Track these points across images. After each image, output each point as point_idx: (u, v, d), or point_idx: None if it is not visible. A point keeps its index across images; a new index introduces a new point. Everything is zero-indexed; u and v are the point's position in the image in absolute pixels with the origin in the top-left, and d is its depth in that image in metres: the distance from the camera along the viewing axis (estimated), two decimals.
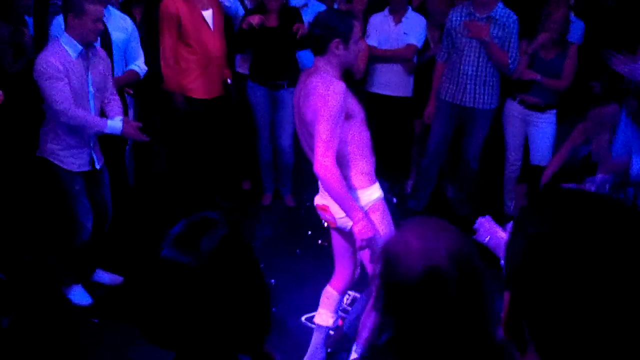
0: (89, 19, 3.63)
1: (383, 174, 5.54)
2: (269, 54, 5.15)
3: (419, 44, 5.42)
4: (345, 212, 3.05)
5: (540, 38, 4.97)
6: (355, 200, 3.08)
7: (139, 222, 4.96)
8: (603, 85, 5.20)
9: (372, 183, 3.24)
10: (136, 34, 4.68)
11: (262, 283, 1.51)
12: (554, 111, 5.17)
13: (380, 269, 1.58)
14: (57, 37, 3.82)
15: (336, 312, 3.60)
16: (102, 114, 3.99)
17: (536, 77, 4.99)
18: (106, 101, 4.01)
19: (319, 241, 4.96)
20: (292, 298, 4.18)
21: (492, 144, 5.48)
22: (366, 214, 3.09)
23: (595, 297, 0.83)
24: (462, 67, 5.05)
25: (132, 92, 4.95)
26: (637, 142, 4.05)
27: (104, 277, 4.36)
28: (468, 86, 5.07)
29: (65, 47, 3.69)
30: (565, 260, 0.85)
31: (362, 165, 3.18)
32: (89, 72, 3.80)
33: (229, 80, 5.37)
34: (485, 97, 5.11)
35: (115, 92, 4.11)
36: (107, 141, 4.15)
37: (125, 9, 4.93)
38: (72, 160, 3.89)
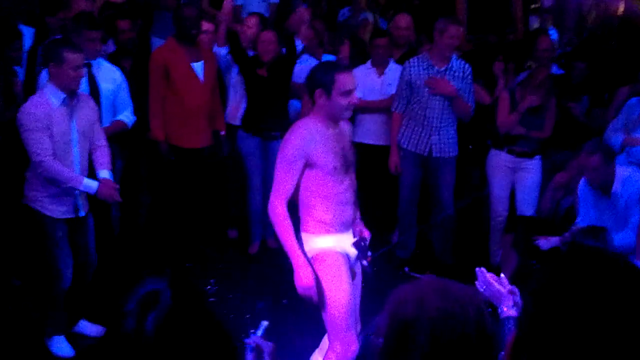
0: (69, 67, 3.70)
1: (369, 223, 5.63)
2: (262, 104, 5.22)
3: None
4: (288, 255, 3.12)
5: (529, 101, 5.06)
6: (302, 245, 3.14)
7: (123, 271, 4.91)
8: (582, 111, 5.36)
9: (327, 233, 3.23)
10: (125, 85, 4.74)
11: (223, 340, 1.53)
12: (539, 157, 5.26)
13: (390, 337, 1.47)
14: (43, 87, 3.89)
15: None
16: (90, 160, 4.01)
17: (522, 132, 5.10)
18: (94, 149, 4.03)
19: None
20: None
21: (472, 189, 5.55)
22: (309, 261, 3.13)
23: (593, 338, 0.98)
24: (426, 119, 5.14)
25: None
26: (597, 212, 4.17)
27: (88, 328, 4.30)
28: (432, 137, 5.16)
29: (49, 97, 3.75)
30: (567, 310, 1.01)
31: (319, 214, 3.22)
32: (73, 119, 3.84)
33: (222, 132, 5.41)
34: (450, 146, 5.22)
35: (103, 139, 4.13)
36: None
37: (114, 60, 5.00)
38: (55, 207, 3.89)
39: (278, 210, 3.13)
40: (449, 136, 5.19)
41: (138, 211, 5.58)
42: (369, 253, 3.34)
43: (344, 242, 3.29)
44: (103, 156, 4.05)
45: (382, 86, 5.55)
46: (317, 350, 3.48)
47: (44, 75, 4.32)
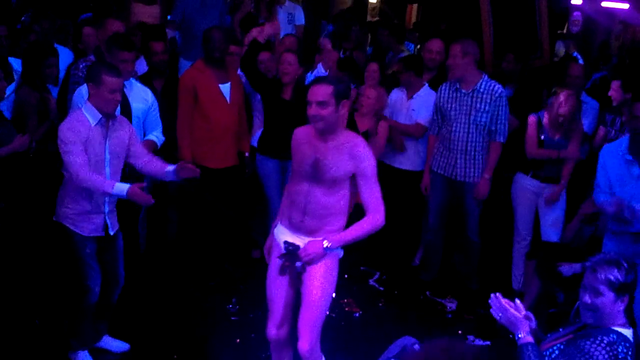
0: (106, 89, 3.79)
1: (393, 245, 5.66)
2: (284, 127, 5.27)
3: (426, 122, 5.50)
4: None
5: (550, 124, 5.05)
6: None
7: (148, 288, 4.99)
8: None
9: (279, 221, 3.67)
10: (156, 105, 4.84)
11: None
12: (565, 183, 5.22)
13: None
14: (80, 105, 4.00)
15: None
16: (123, 178, 4.07)
17: (552, 156, 5.08)
18: (143, 164, 4.12)
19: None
20: None
21: (498, 215, 5.53)
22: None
23: None
24: (452, 142, 5.16)
25: None
26: None
27: (112, 344, 4.36)
28: (458, 160, 5.16)
29: (86, 115, 3.84)
30: None
31: (283, 202, 3.71)
32: (107, 140, 3.93)
33: (246, 154, 5.49)
34: (475, 171, 5.18)
35: (148, 153, 4.21)
36: (121, 207, 4.22)
37: (146, 81, 5.12)
38: (85, 224, 3.97)
39: None
40: (476, 160, 5.18)
41: (166, 227, 5.65)
42: (298, 263, 3.51)
43: (283, 236, 3.58)
44: (156, 162, 4.13)
45: (408, 110, 5.58)
46: None
47: (78, 93, 4.44)
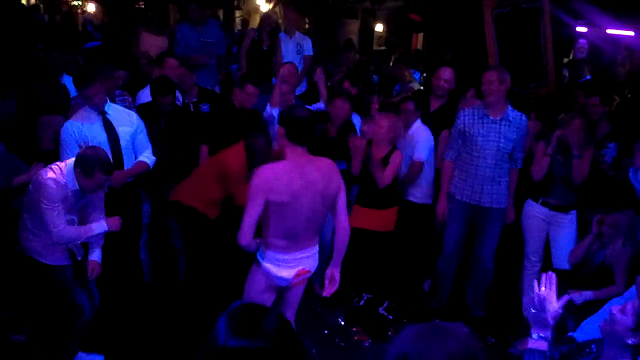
0: (94, 183, 3.93)
1: (402, 273, 5.64)
2: None
3: (423, 159, 5.49)
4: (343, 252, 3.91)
5: (555, 137, 5.06)
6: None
7: (152, 318, 4.95)
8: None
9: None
10: (142, 126, 4.87)
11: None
12: (575, 211, 5.22)
13: None
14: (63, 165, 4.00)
15: None
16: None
17: (561, 173, 5.08)
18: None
19: (336, 340, 4.94)
20: None
21: (506, 243, 5.50)
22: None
23: None
24: (479, 168, 5.10)
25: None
26: None
27: (85, 358, 4.33)
28: (485, 187, 5.11)
29: (67, 180, 3.93)
30: None
31: None
32: (80, 201, 4.07)
33: None
34: (501, 197, 5.16)
35: (99, 212, 4.25)
36: (119, 236, 4.29)
37: (150, 110, 5.21)
38: (56, 255, 4.11)
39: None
40: (501, 187, 5.15)
41: (173, 257, 5.62)
42: None
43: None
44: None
45: (404, 144, 5.50)
46: None
47: (64, 131, 4.55)
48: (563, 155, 5.07)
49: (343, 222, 3.84)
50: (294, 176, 3.55)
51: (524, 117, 5.11)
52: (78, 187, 3.93)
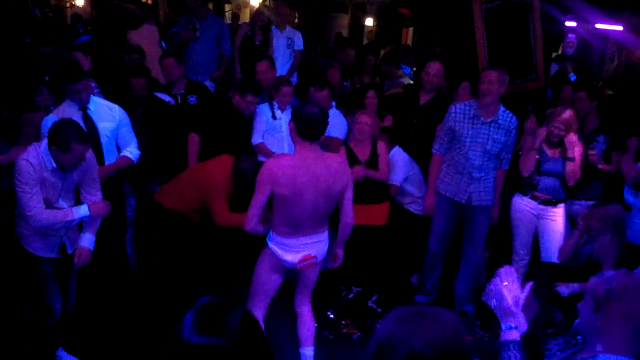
0: (72, 156, 3.74)
1: (392, 266, 5.65)
2: None
3: (399, 182, 5.57)
4: (343, 243, 4.13)
5: (541, 132, 5.09)
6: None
7: (139, 311, 4.90)
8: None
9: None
10: (126, 120, 4.82)
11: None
12: (564, 205, 5.24)
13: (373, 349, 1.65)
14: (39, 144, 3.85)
15: None
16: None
17: (557, 169, 5.11)
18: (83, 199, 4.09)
19: (325, 333, 4.95)
20: None
21: (495, 237, 5.53)
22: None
23: None
24: (465, 168, 5.09)
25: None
26: None
27: (64, 358, 4.27)
28: (472, 185, 5.11)
29: (44, 159, 3.77)
30: None
31: None
32: (63, 181, 3.91)
33: None
34: (488, 194, 5.17)
35: (94, 193, 4.11)
36: (106, 229, 4.22)
37: (129, 107, 5.14)
38: (40, 245, 3.98)
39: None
40: (487, 184, 5.15)
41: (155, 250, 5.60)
42: None
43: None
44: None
45: None
46: None
47: (43, 124, 4.38)
48: (551, 148, 5.11)
49: (346, 218, 3.97)
50: (299, 171, 3.66)
51: (514, 119, 5.08)
52: (56, 166, 3.78)
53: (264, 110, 5.66)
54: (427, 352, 1.53)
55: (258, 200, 3.72)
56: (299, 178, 3.66)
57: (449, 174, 5.22)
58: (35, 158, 3.75)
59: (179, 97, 5.78)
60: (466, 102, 5.20)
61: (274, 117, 5.63)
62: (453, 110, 5.16)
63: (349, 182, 3.87)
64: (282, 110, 5.65)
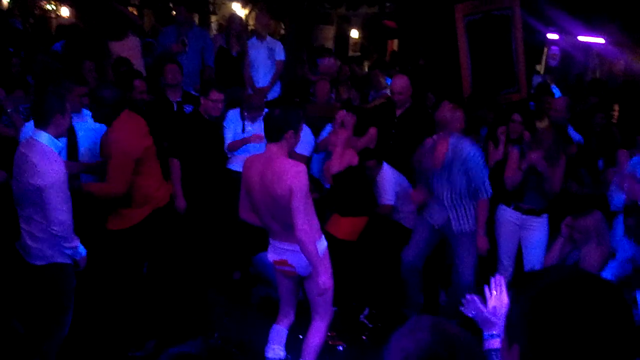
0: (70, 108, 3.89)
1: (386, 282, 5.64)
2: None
3: (393, 202, 5.60)
4: (313, 265, 3.83)
5: (532, 156, 5.03)
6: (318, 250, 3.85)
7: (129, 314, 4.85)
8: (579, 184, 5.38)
9: (322, 235, 4.01)
10: None
11: None
12: (547, 215, 5.27)
13: None
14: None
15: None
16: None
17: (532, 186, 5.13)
18: None
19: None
20: None
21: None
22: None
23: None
24: (441, 202, 4.96)
25: None
26: None
27: None
28: (451, 215, 4.96)
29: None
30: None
31: (315, 222, 3.92)
32: None
33: None
34: (469, 220, 4.96)
35: None
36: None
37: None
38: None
39: (309, 232, 3.77)
40: (467, 212, 4.94)
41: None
42: None
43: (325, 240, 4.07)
44: None
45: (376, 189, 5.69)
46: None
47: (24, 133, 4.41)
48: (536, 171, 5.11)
49: (295, 226, 3.72)
50: (253, 170, 3.86)
51: (472, 152, 4.80)
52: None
53: (233, 118, 5.71)
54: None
55: (241, 192, 4.01)
56: (252, 177, 3.85)
57: (431, 200, 5.08)
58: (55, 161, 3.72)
59: (175, 105, 5.82)
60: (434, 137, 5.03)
61: (243, 130, 5.68)
62: (423, 149, 5.05)
63: (292, 188, 3.67)
64: (253, 122, 5.67)
